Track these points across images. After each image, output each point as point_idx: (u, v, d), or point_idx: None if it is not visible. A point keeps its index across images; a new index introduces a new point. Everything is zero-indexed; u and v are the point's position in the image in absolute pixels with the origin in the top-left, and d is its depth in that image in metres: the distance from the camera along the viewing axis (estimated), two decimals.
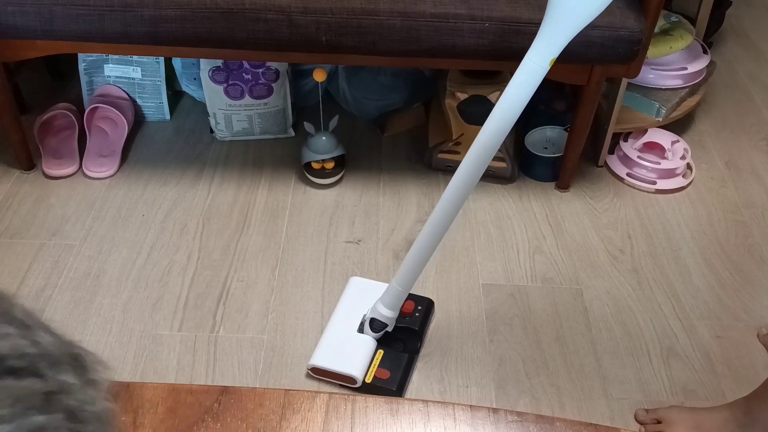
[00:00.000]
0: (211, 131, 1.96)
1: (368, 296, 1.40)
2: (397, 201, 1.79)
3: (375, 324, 1.36)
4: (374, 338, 1.38)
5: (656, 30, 1.80)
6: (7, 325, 0.37)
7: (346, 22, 1.49)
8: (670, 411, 1.30)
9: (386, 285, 1.35)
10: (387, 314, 1.34)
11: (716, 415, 1.25)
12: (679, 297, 1.57)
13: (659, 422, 1.30)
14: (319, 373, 1.36)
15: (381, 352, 1.38)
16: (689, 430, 1.26)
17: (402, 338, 1.40)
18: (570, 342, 1.47)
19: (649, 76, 1.86)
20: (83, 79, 1.97)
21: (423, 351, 1.44)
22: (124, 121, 1.88)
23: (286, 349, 1.44)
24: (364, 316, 1.39)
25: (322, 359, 1.36)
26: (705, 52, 1.97)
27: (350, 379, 1.33)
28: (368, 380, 1.34)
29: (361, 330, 1.39)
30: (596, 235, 1.71)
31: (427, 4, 1.50)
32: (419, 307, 1.46)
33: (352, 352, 1.36)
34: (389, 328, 1.37)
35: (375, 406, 0.70)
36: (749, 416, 1.20)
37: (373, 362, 1.36)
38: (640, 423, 1.32)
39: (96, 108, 1.88)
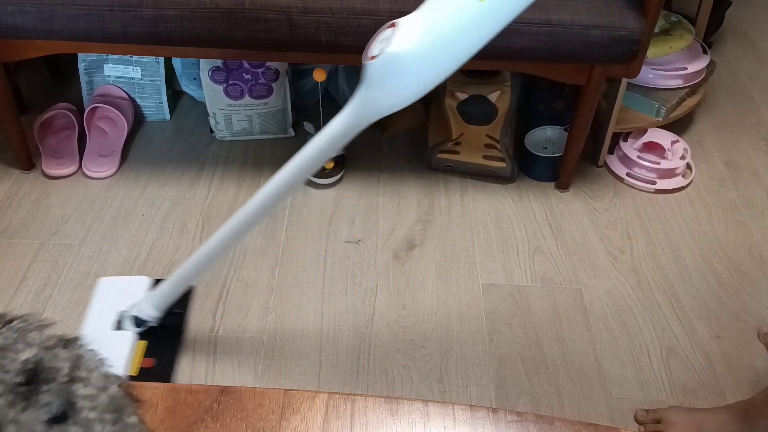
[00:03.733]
0: (211, 131, 1.96)
1: (120, 293, 1.41)
2: (397, 201, 1.79)
3: (138, 321, 1.35)
4: (134, 333, 1.36)
5: (656, 30, 1.80)
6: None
7: (345, 22, 1.49)
8: (669, 411, 1.30)
9: (138, 278, 1.42)
10: (153, 314, 1.34)
11: (716, 416, 1.25)
12: (679, 297, 1.57)
13: (659, 422, 1.30)
14: None
15: (143, 342, 1.36)
16: (689, 430, 1.26)
17: (164, 323, 1.39)
18: (570, 342, 1.47)
19: (648, 76, 1.87)
20: (83, 78, 1.97)
21: (423, 351, 1.44)
22: (124, 121, 1.88)
23: (285, 349, 1.44)
24: (122, 312, 1.37)
25: None
26: (705, 52, 1.97)
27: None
28: (134, 373, 1.32)
29: (118, 327, 1.37)
30: (596, 235, 1.71)
31: None
32: None
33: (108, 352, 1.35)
34: (154, 323, 1.36)
35: (375, 405, 0.70)
36: (748, 419, 1.21)
37: (136, 354, 1.35)
38: (640, 423, 1.33)
39: (96, 108, 1.88)
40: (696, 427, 1.26)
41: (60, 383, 0.45)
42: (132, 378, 1.31)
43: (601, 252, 1.67)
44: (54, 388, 0.44)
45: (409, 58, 0.87)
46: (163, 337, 1.39)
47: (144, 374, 1.32)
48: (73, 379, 0.47)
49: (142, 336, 1.37)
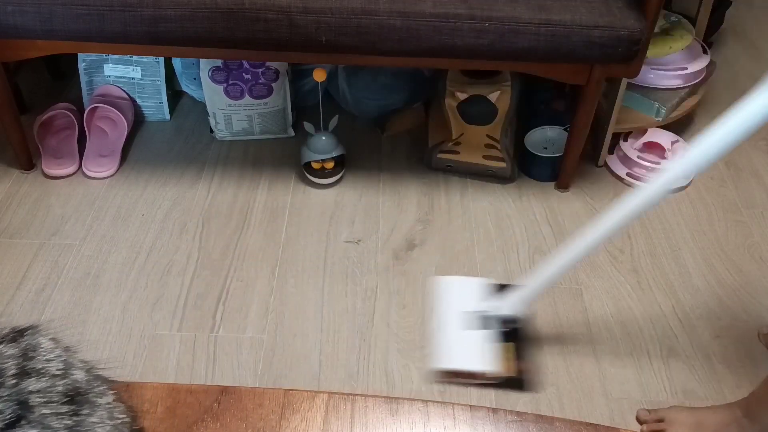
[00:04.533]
0: (211, 131, 1.96)
1: (460, 293, 1.45)
2: (397, 201, 1.79)
3: (504, 321, 1.37)
4: (500, 333, 1.38)
5: (656, 30, 1.80)
6: None
7: (346, 22, 1.49)
8: (671, 411, 1.30)
9: (475, 279, 1.46)
10: (520, 314, 1.38)
11: (717, 415, 1.25)
12: (679, 297, 1.57)
13: (660, 421, 1.30)
14: (447, 377, 1.36)
15: (512, 345, 1.39)
16: (690, 429, 1.27)
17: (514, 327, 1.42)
18: (570, 342, 1.47)
19: (649, 76, 1.86)
20: (83, 78, 1.97)
21: (423, 351, 1.44)
22: (124, 121, 1.88)
23: (285, 349, 1.44)
24: (482, 312, 1.38)
25: (447, 363, 1.35)
26: (705, 52, 1.97)
27: (476, 376, 1.34)
28: (514, 374, 1.36)
29: (473, 327, 1.38)
30: None
31: (427, 4, 1.50)
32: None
33: (475, 351, 1.37)
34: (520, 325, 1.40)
35: (375, 405, 0.70)
36: (749, 416, 1.21)
37: (508, 356, 1.37)
38: (642, 422, 1.33)
39: (96, 108, 1.88)
40: (698, 425, 1.27)
41: (9, 386, 0.43)
42: (507, 379, 1.35)
43: (601, 252, 1.67)
44: (3, 394, 0.42)
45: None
46: (523, 345, 1.42)
47: (516, 378, 1.36)
48: (23, 374, 0.45)
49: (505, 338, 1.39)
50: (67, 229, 1.68)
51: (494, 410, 0.70)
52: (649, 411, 1.33)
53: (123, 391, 0.69)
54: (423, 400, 0.71)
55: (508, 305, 1.37)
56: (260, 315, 1.50)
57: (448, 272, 1.61)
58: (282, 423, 0.68)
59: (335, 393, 0.71)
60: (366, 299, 1.54)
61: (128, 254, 1.62)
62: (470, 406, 0.70)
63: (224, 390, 0.70)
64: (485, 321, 1.38)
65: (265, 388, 0.71)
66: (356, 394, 0.71)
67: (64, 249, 1.63)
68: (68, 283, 1.55)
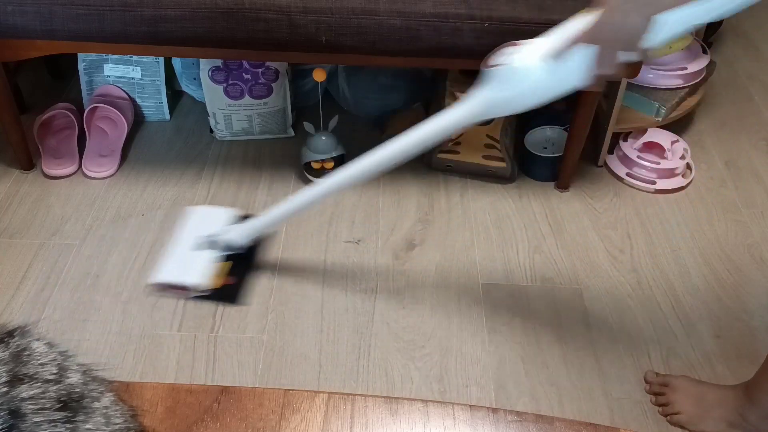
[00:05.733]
0: (211, 131, 1.96)
1: (204, 220, 1.59)
2: (397, 201, 1.79)
3: (227, 246, 1.51)
4: (221, 254, 1.52)
5: None
6: None
7: (346, 22, 1.49)
8: (678, 379, 1.37)
9: (223, 209, 1.62)
10: (243, 242, 1.51)
11: (720, 392, 1.32)
12: (679, 297, 1.57)
13: (665, 386, 1.36)
14: (161, 289, 1.51)
15: (228, 263, 1.53)
16: (691, 399, 1.33)
17: (243, 254, 1.56)
18: (570, 342, 1.47)
19: (648, 76, 1.87)
20: (83, 78, 1.97)
21: (423, 351, 1.44)
22: (124, 120, 1.88)
23: (285, 348, 1.44)
24: (210, 236, 1.52)
25: (164, 275, 1.50)
26: (705, 52, 1.97)
27: (189, 290, 1.49)
28: (216, 286, 1.50)
29: (201, 249, 1.53)
30: (596, 235, 1.71)
31: (427, 4, 1.50)
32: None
33: (193, 267, 1.52)
34: (240, 251, 1.53)
35: (375, 405, 0.70)
36: (750, 399, 1.26)
37: (221, 271, 1.51)
38: (648, 383, 1.39)
39: (96, 108, 1.88)
40: (699, 398, 1.32)
41: (0, 394, 0.42)
42: (213, 291, 1.49)
43: (601, 252, 1.67)
44: None
45: (528, 69, 1.01)
46: (241, 266, 1.55)
47: (222, 290, 1.50)
48: (15, 380, 0.43)
49: (226, 259, 1.53)
50: (67, 229, 1.68)
51: (494, 410, 0.70)
52: (657, 374, 1.40)
53: (123, 391, 0.69)
54: (423, 400, 0.71)
55: (236, 233, 1.51)
56: (260, 315, 1.50)
57: (448, 272, 1.61)
58: (282, 423, 0.68)
59: (335, 393, 0.71)
60: (366, 299, 1.54)
61: (128, 254, 1.62)
62: (470, 406, 0.70)
63: (224, 390, 0.70)
64: (211, 243, 1.52)
65: (265, 388, 0.71)
66: (356, 394, 0.71)
67: (64, 249, 1.63)
68: (68, 283, 1.55)
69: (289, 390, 0.71)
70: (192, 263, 1.51)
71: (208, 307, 1.51)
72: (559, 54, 0.98)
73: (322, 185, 1.37)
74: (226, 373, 1.39)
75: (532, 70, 1.01)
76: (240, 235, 1.51)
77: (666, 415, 1.34)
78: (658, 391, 1.37)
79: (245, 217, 1.57)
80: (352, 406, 0.70)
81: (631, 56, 0.93)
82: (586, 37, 0.97)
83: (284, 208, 1.43)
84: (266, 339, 1.46)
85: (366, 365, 1.42)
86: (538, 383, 1.39)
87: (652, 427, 1.33)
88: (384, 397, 0.71)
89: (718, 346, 1.47)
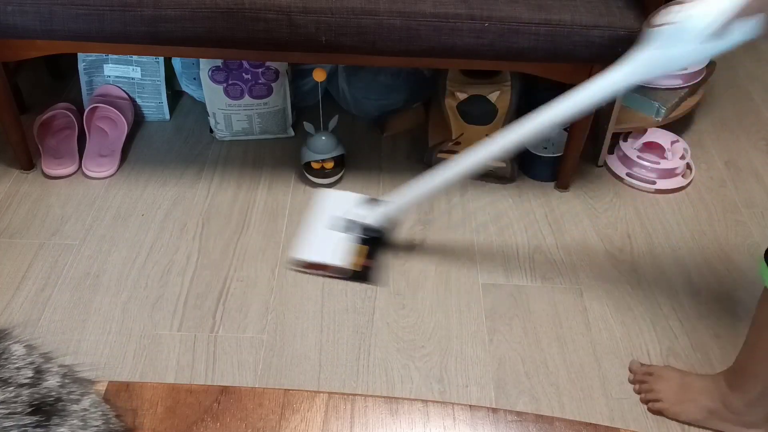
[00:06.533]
0: (211, 131, 1.96)
1: (336, 204, 1.62)
2: None
3: (365, 229, 1.54)
4: (359, 237, 1.55)
5: None
6: None
7: (345, 22, 1.49)
8: (661, 368, 1.38)
9: (351, 194, 1.64)
10: (381, 225, 1.55)
11: (703, 381, 1.34)
12: (679, 297, 1.57)
13: (650, 375, 1.37)
14: (303, 266, 1.55)
15: (366, 246, 1.55)
16: (675, 388, 1.35)
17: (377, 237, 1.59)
18: (570, 342, 1.47)
19: None
20: (83, 78, 1.97)
21: (423, 351, 1.44)
22: (124, 120, 1.88)
23: (285, 348, 1.44)
24: (348, 219, 1.56)
25: (307, 253, 1.55)
26: None
27: (330, 268, 1.53)
28: (357, 269, 1.54)
29: (339, 230, 1.56)
30: (596, 234, 1.71)
31: (427, 4, 1.50)
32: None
33: (335, 247, 1.55)
34: (378, 235, 1.56)
35: (374, 405, 0.70)
36: (731, 386, 1.28)
37: (360, 254, 1.54)
38: (633, 372, 1.40)
39: (96, 108, 1.88)
40: (682, 387, 1.34)
41: None
42: (353, 272, 1.54)
43: (602, 252, 1.67)
44: None
45: (694, 32, 1.03)
46: (377, 248, 1.59)
47: (361, 272, 1.55)
48: None
49: (363, 242, 1.56)
50: (67, 229, 1.68)
51: (494, 410, 0.70)
52: (642, 364, 1.41)
53: (123, 391, 0.69)
54: (423, 400, 0.71)
55: (372, 216, 1.54)
56: (260, 315, 1.50)
57: (448, 272, 1.61)
58: (282, 423, 0.68)
59: (335, 393, 0.71)
60: (366, 299, 1.54)
61: (128, 254, 1.62)
62: (470, 406, 0.70)
63: (224, 390, 0.70)
64: (349, 225, 1.55)
65: (265, 388, 0.71)
66: (356, 394, 0.71)
67: (64, 249, 1.63)
68: (68, 283, 1.55)
69: (289, 390, 0.71)
70: (332, 244, 1.55)
71: (207, 306, 1.51)
72: (726, 24, 0.99)
73: (455, 165, 1.38)
74: (226, 373, 1.39)
75: (699, 30, 1.01)
76: (376, 218, 1.55)
77: (647, 402, 1.35)
78: (642, 380, 1.38)
79: (374, 201, 1.60)
80: (352, 406, 0.70)
81: None
82: (752, 8, 0.98)
83: (417, 190, 1.46)
84: (266, 339, 1.46)
85: (366, 365, 1.42)
86: (538, 383, 1.39)
87: (652, 427, 1.33)
88: (384, 397, 0.71)
89: (718, 346, 1.47)
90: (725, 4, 1.00)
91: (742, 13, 0.98)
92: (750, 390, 1.25)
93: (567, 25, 1.49)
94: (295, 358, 1.42)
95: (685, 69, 1.88)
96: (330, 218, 1.58)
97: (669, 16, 1.05)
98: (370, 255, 1.56)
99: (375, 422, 0.69)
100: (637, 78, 1.16)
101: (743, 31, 1.00)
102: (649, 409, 1.35)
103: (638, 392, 1.38)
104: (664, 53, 1.07)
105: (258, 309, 1.52)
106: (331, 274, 1.55)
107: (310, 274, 1.56)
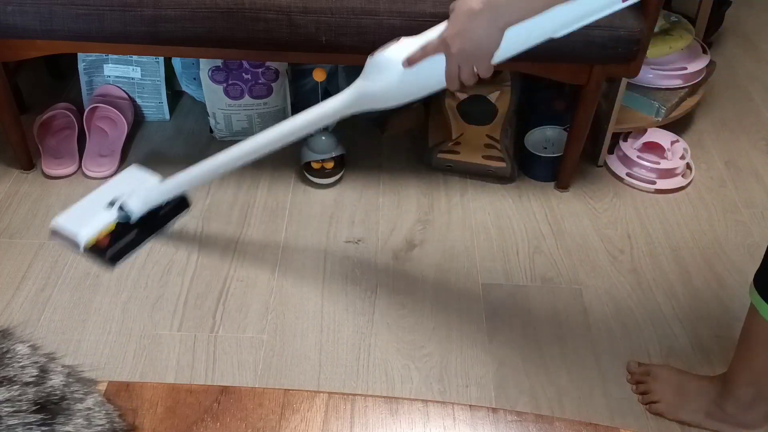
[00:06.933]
0: (211, 131, 1.96)
1: (132, 181, 1.58)
2: (397, 201, 1.79)
3: (122, 209, 1.50)
4: (116, 216, 1.51)
5: (656, 30, 1.80)
6: None
7: (345, 22, 1.49)
8: (660, 368, 1.38)
9: (153, 176, 1.59)
10: (137, 209, 1.49)
11: (699, 382, 1.34)
12: (679, 297, 1.57)
13: (647, 375, 1.38)
14: (55, 235, 1.52)
15: (113, 225, 1.51)
16: (671, 388, 1.35)
17: (146, 218, 1.54)
18: (570, 342, 1.47)
19: (648, 76, 1.86)
20: (83, 78, 1.97)
21: (423, 351, 1.44)
22: (124, 120, 1.88)
23: (285, 348, 1.44)
24: (117, 197, 1.52)
25: (61, 222, 1.52)
26: (705, 52, 1.97)
27: (74, 243, 1.50)
28: (88, 246, 1.49)
29: (110, 206, 1.52)
30: (596, 235, 1.71)
31: (427, 4, 1.50)
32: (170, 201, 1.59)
33: (89, 221, 1.51)
34: (131, 221, 1.51)
35: (374, 405, 0.70)
36: (726, 390, 1.29)
37: (101, 232, 1.50)
38: (630, 373, 1.40)
39: (96, 108, 1.88)
40: (678, 387, 1.35)
41: None
42: (87, 249, 1.49)
43: (601, 252, 1.67)
44: None
45: (391, 64, 1.07)
46: (126, 231, 1.54)
47: (93, 250, 1.50)
48: None
49: (122, 223, 1.52)
50: None
51: (494, 410, 0.70)
52: (639, 364, 1.41)
53: (123, 390, 0.69)
54: (423, 400, 0.71)
55: (134, 198, 1.49)
56: (260, 315, 1.50)
57: (448, 272, 1.61)
58: (282, 423, 0.68)
59: (335, 393, 0.71)
60: (366, 299, 1.54)
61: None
62: (470, 406, 0.70)
63: (224, 390, 0.70)
64: (112, 201, 1.51)
65: (265, 388, 0.71)
66: (356, 394, 0.71)
67: (64, 249, 1.63)
68: (68, 283, 1.55)
69: (289, 390, 0.71)
70: (91, 218, 1.51)
71: (207, 306, 1.51)
72: (417, 58, 1.04)
73: (221, 155, 1.37)
74: (226, 373, 1.39)
75: (393, 65, 1.06)
76: (137, 201, 1.50)
77: (645, 404, 1.36)
78: (640, 380, 1.38)
79: (151, 182, 1.56)
80: (352, 406, 0.70)
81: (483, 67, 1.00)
82: (437, 47, 1.02)
83: (181, 179, 1.43)
84: (266, 339, 1.46)
85: (366, 365, 1.42)
86: (538, 383, 1.39)
87: (652, 427, 1.33)
88: (384, 397, 0.71)
89: (718, 346, 1.47)
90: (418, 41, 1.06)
91: (428, 50, 1.03)
92: (742, 396, 1.27)
93: None
94: (295, 358, 1.42)
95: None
96: (110, 194, 1.55)
97: (380, 48, 1.10)
98: (115, 236, 1.52)
99: (375, 422, 0.69)
100: (350, 108, 1.19)
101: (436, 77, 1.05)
102: (649, 410, 1.35)
103: (636, 392, 1.38)
104: (369, 86, 1.12)
105: (258, 309, 1.52)
106: (72, 247, 1.51)
107: (59, 244, 1.55)
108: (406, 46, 1.06)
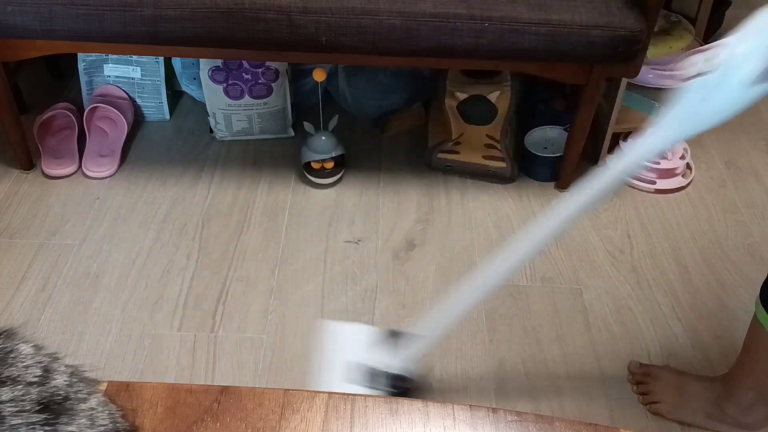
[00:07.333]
0: (211, 131, 1.96)
1: (345, 340, 1.17)
2: (397, 201, 1.79)
3: (395, 380, 1.08)
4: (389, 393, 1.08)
5: (656, 30, 1.80)
6: None
7: (345, 22, 1.49)
8: (660, 369, 1.39)
9: (360, 326, 1.21)
10: (413, 372, 1.11)
11: (700, 383, 1.34)
12: (679, 297, 1.57)
13: (648, 376, 1.38)
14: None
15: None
16: (671, 389, 1.35)
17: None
18: (570, 342, 1.47)
19: (648, 76, 1.86)
20: (83, 78, 1.97)
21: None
22: (124, 120, 1.88)
23: (285, 348, 1.44)
24: (368, 367, 1.09)
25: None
26: None
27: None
28: None
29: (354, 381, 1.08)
30: (596, 234, 1.71)
31: (427, 4, 1.50)
32: None
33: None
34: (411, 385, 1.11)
35: (374, 405, 0.70)
36: (727, 392, 1.29)
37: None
38: (631, 373, 1.41)
39: (96, 108, 1.88)
40: (679, 388, 1.35)
41: None
42: None
43: (601, 252, 1.67)
44: None
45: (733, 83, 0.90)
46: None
47: None
48: None
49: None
50: (67, 229, 1.68)
51: (494, 410, 0.70)
52: (640, 364, 1.41)
53: (123, 390, 0.69)
54: (423, 400, 0.71)
55: (399, 361, 1.10)
56: (260, 315, 1.50)
57: (448, 272, 1.61)
58: (282, 423, 0.68)
59: (335, 393, 0.71)
60: (366, 299, 1.54)
61: (128, 254, 1.62)
62: (470, 406, 0.70)
63: (224, 390, 0.70)
64: (372, 377, 1.07)
65: (265, 388, 0.71)
66: (356, 394, 0.71)
67: (64, 249, 1.63)
68: (68, 283, 1.55)
69: (289, 390, 0.71)
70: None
71: (207, 306, 1.51)
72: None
73: (481, 279, 1.08)
74: (226, 373, 1.39)
75: (743, 75, 0.88)
76: (404, 362, 1.10)
77: (646, 404, 1.36)
78: (640, 380, 1.38)
79: (396, 335, 1.14)
80: (352, 406, 0.70)
81: None
82: None
83: (447, 316, 1.10)
84: (266, 339, 1.46)
85: None
86: (538, 383, 1.39)
87: (652, 427, 1.33)
88: (384, 397, 0.71)
89: (718, 346, 1.47)
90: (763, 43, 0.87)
91: None
92: (743, 399, 1.27)
93: (567, 25, 1.49)
94: (295, 358, 1.42)
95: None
96: (346, 368, 1.09)
97: (698, 66, 0.94)
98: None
99: (375, 422, 0.69)
100: (675, 139, 1.02)
101: None
102: (649, 410, 1.35)
103: (637, 393, 1.38)
104: (705, 106, 0.95)
105: (258, 309, 1.52)
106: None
107: None
108: (740, 53, 0.90)
